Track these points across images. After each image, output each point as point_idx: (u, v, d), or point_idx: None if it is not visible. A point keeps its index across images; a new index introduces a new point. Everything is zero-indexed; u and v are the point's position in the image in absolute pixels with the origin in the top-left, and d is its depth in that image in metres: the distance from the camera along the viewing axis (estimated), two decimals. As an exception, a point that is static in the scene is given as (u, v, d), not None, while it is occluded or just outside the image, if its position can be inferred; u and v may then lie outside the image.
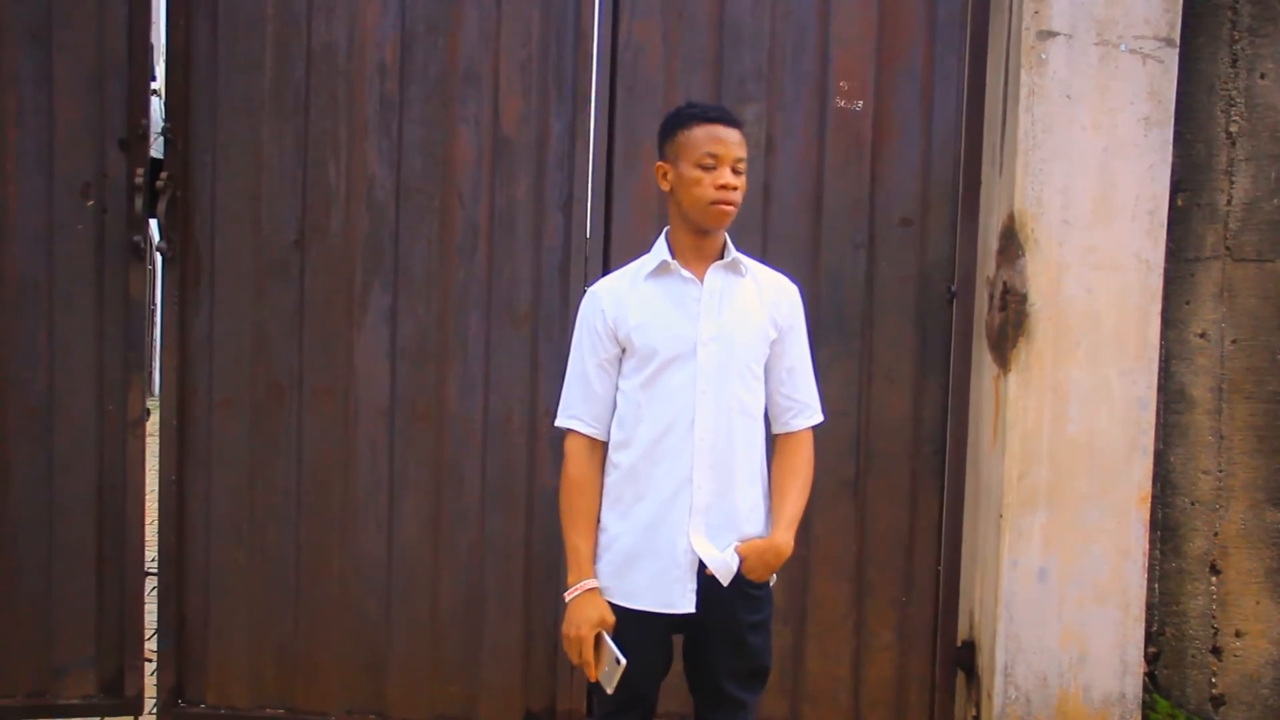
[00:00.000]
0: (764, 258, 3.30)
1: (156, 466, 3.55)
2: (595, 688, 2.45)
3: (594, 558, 2.43)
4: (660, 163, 2.45)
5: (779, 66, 3.57)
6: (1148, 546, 3.46)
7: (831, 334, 3.54)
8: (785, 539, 2.42)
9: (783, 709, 3.62)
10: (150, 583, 3.64)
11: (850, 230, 3.51)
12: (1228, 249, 3.56)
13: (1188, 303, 3.58)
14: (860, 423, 3.58)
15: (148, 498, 3.54)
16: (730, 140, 2.36)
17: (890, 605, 3.64)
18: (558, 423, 2.49)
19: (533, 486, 3.59)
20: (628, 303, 2.43)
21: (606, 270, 3.55)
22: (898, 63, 3.57)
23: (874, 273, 3.58)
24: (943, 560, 3.63)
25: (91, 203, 3.44)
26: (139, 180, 3.39)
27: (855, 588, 3.61)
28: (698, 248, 2.44)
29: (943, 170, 3.58)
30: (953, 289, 3.57)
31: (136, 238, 3.43)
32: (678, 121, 2.41)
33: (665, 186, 2.45)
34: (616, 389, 2.46)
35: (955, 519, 3.62)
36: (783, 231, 3.56)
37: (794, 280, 2.56)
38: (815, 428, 2.54)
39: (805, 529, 3.35)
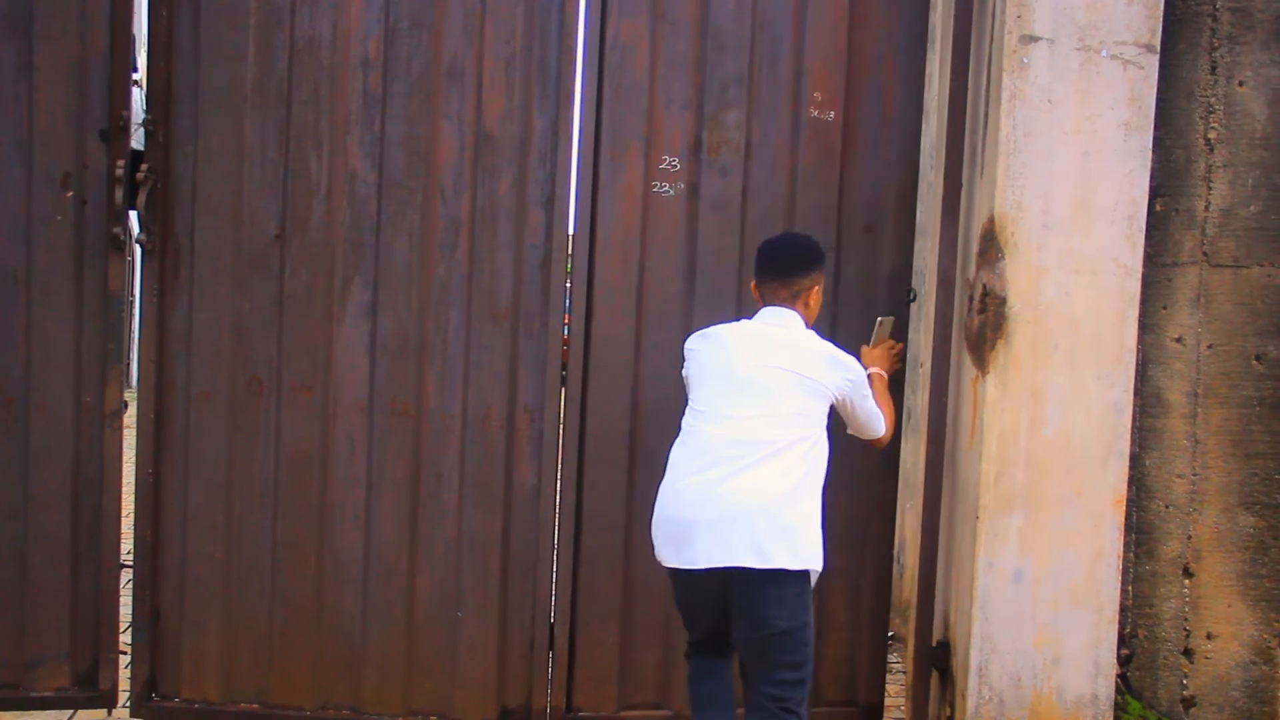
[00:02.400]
0: (741, 259, 3.54)
1: (134, 459, 3.53)
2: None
3: None
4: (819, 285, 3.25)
5: (758, 73, 3.63)
6: (1122, 549, 3.48)
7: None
8: None
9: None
10: (126, 576, 3.63)
11: (820, 235, 3.49)
12: (1205, 255, 3.58)
13: (1165, 308, 3.60)
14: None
15: (124, 490, 3.53)
16: None
17: (847, 590, 3.76)
18: None
19: (511, 483, 3.59)
20: None
21: (591, 269, 3.56)
22: (865, 77, 3.68)
23: (840, 276, 3.68)
24: (919, 561, 3.65)
25: (71, 194, 3.42)
26: (119, 172, 3.37)
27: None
28: None
29: (903, 181, 3.74)
30: (911, 293, 3.74)
31: (116, 229, 3.41)
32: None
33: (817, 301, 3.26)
34: None
35: (932, 520, 3.63)
36: (761, 234, 3.56)
37: None
38: None
39: None
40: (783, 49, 3.63)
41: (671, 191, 3.62)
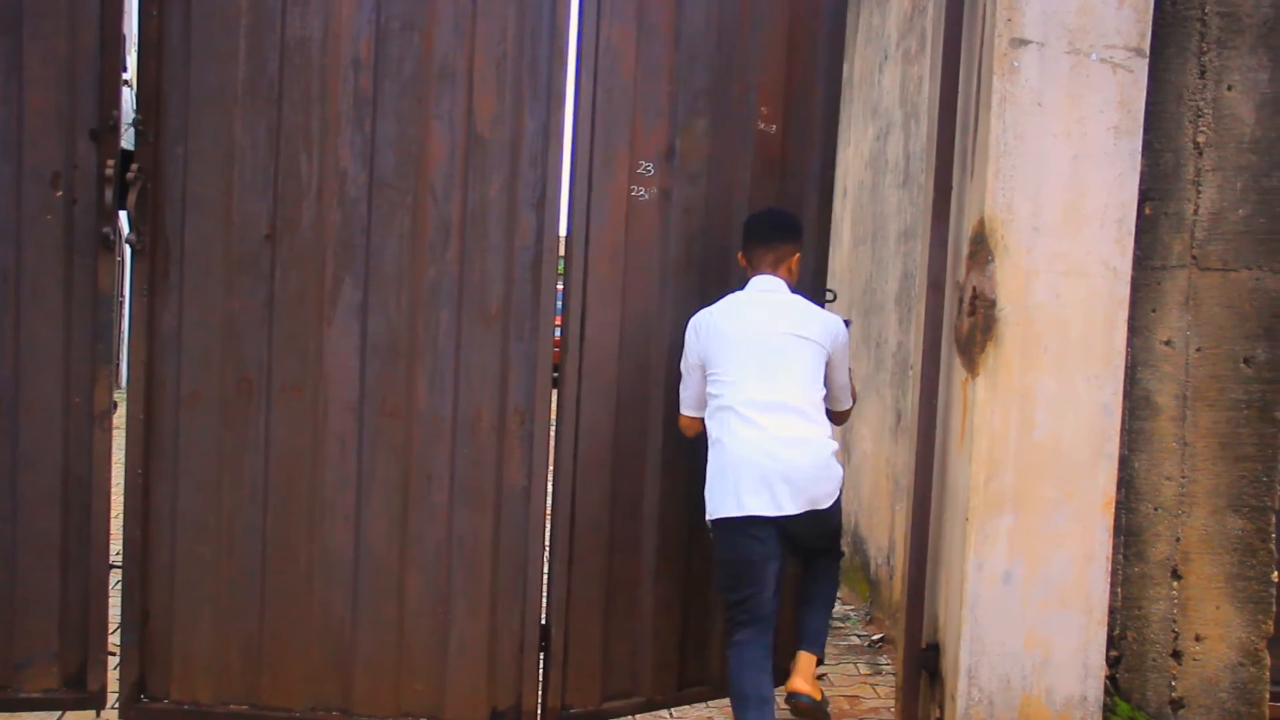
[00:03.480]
0: (704, 264, 3.82)
1: (123, 460, 3.52)
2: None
3: None
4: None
5: (720, 85, 3.78)
6: (1111, 551, 3.50)
7: None
8: None
9: None
10: (115, 576, 3.62)
11: None
12: (1194, 258, 3.60)
13: (1154, 310, 3.62)
14: None
15: (114, 491, 3.52)
16: None
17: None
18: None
19: (501, 484, 3.59)
20: None
21: (586, 271, 3.61)
22: (797, 95, 3.94)
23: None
24: (909, 562, 3.66)
25: (61, 193, 3.41)
26: (109, 171, 3.36)
27: None
28: None
29: (822, 193, 4.07)
30: (830, 294, 4.10)
31: (106, 229, 3.40)
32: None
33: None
34: None
35: (921, 521, 3.65)
36: (722, 239, 3.84)
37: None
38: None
39: None
40: (737, 62, 3.79)
41: (647, 196, 3.66)
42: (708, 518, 3.57)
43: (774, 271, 3.68)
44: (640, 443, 3.75)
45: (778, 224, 3.73)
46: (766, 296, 3.63)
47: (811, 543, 3.71)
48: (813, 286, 3.99)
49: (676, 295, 3.76)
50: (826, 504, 3.53)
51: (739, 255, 3.77)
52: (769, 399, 3.49)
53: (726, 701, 3.80)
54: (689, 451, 3.74)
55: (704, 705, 4.14)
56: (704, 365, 3.60)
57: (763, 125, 3.85)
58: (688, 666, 3.92)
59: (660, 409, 3.77)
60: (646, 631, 3.81)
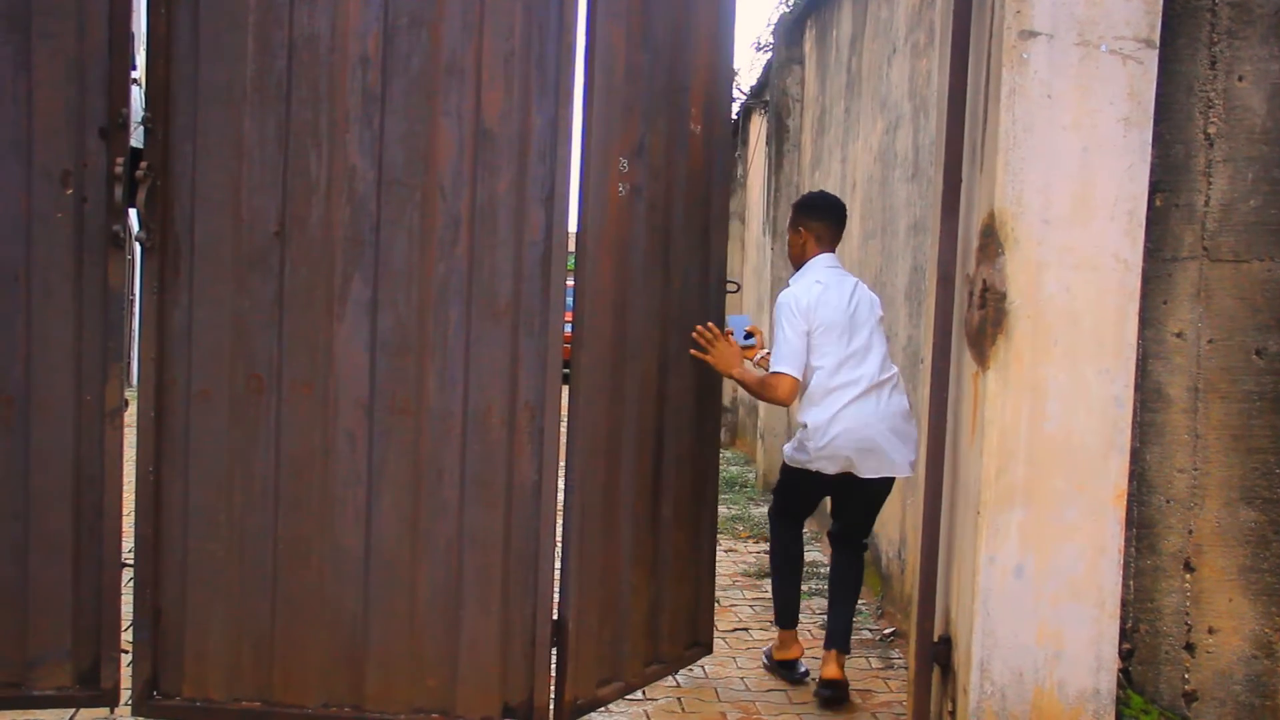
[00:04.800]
0: (664, 258, 4.00)
1: (134, 457, 3.53)
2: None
3: None
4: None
5: (672, 85, 3.95)
6: (1123, 544, 3.49)
7: (684, 327, 4.12)
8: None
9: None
10: (127, 574, 3.63)
11: (693, 237, 4.13)
12: (1205, 249, 3.58)
13: (1165, 302, 3.60)
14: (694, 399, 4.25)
15: (125, 488, 3.53)
16: None
17: (695, 544, 4.26)
18: None
19: (512, 480, 3.59)
20: None
21: (594, 266, 3.61)
22: (710, 96, 4.15)
23: (700, 272, 4.22)
24: (921, 556, 3.65)
25: (71, 191, 3.42)
26: (119, 169, 3.37)
27: (688, 531, 4.22)
28: None
29: (725, 191, 4.42)
30: (733, 284, 4.50)
31: (116, 227, 3.41)
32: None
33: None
34: None
35: (933, 515, 3.64)
36: (672, 233, 4.03)
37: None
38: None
39: (668, 485, 4.09)
40: (679, 64, 3.96)
41: (624, 191, 3.72)
42: (792, 465, 4.46)
43: (832, 250, 4.47)
44: (617, 436, 3.83)
45: (840, 207, 4.60)
46: (844, 277, 4.41)
47: (855, 513, 4.50)
48: (720, 277, 4.32)
49: (648, 288, 3.88)
50: (902, 472, 4.32)
51: (796, 232, 4.49)
52: (862, 375, 4.24)
53: (713, 684, 4.51)
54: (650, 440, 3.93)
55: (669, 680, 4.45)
56: (809, 336, 4.23)
57: (693, 126, 4.06)
58: (647, 647, 4.08)
59: (633, 403, 3.86)
60: (626, 617, 3.92)
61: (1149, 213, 3.48)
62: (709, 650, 4.46)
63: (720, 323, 4.23)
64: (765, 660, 4.73)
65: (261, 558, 3.56)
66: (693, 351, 4.11)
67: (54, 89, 3.40)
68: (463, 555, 3.60)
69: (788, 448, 4.55)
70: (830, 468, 4.31)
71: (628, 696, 4.11)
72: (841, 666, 4.31)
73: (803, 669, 4.58)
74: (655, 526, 4.02)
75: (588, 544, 3.72)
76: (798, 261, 4.53)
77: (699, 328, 4.11)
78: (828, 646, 4.34)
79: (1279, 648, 3.60)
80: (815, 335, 4.25)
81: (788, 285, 4.49)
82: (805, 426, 4.30)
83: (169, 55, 3.47)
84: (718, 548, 4.58)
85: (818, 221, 4.48)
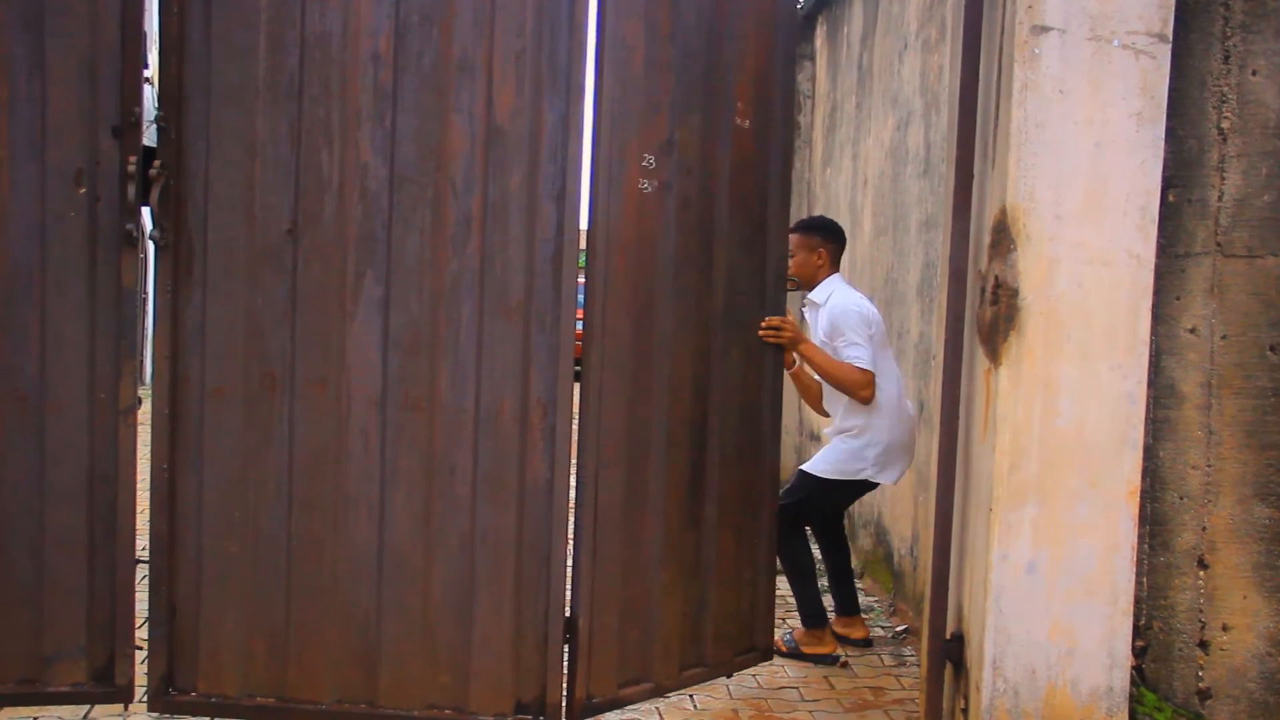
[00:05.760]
0: (696, 258, 3.88)
1: (148, 455, 3.54)
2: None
3: None
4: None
5: (710, 79, 3.86)
6: (1136, 541, 3.48)
7: (730, 323, 4.02)
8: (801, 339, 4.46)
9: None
10: (141, 571, 3.65)
11: (744, 232, 4.02)
12: (1218, 245, 3.57)
13: (1178, 298, 3.59)
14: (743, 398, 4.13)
15: (139, 486, 3.54)
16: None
17: (751, 547, 4.16)
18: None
19: (524, 477, 3.60)
20: None
21: (607, 263, 3.61)
22: (764, 89, 4.02)
23: (751, 268, 4.10)
24: (933, 553, 3.65)
25: (84, 190, 3.43)
26: (132, 168, 3.38)
27: (737, 533, 4.12)
28: None
29: (783, 182, 4.17)
30: (792, 281, 4.48)
31: (129, 225, 3.42)
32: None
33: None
34: None
35: (945, 512, 3.63)
36: (711, 230, 3.91)
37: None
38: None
39: (712, 486, 3.99)
40: (720, 59, 3.87)
41: (650, 188, 3.69)
42: (838, 477, 4.76)
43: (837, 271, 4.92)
44: (643, 434, 3.80)
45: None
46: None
47: (846, 507, 5.21)
48: (777, 274, 4.18)
49: (676, 289, 3.81)
50: None
51: (817, 253, 4.83)
52: (902, 387, 4.84)
53: (724, 681, 4.33)
54: (685, 439, 3.87)
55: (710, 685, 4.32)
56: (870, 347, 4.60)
57: (739, 120, 3.94)
58: (686, 649, 3.99)
59: (662, 402, 3.81)
60: (655, 618, 3.86)
61: (1162, 208, 3.47)
62: (767, 657, 4.32)
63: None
64: (788, 645, 4.80)
65: (275, 554, 3.58)
66: (765, 335, 4.11)
67: (67, 88, 3.41)
68: (475, 552, 3.61)
69: (826, 462, 4.81)
70: (891, 476, 4.79)
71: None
72: (862, 623, 5.05)
73: (840, 657, 4.79)
74: (697, 527, 3.94)
75: (603, 542, 3.70)
76: (810, 280, 4.88)
77: (764, 323, 4.10)
78: (849, 613, 5.02)
79: (1293, 644, 3.59)
80: (874, 344, 4.62)
81: (812, 299, 4.86)
82: (868, 436, 4.72)
83: (181, 54, 3.48)
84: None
85: (834, 244, 4.90)
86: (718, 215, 3.92)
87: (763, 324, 4.09)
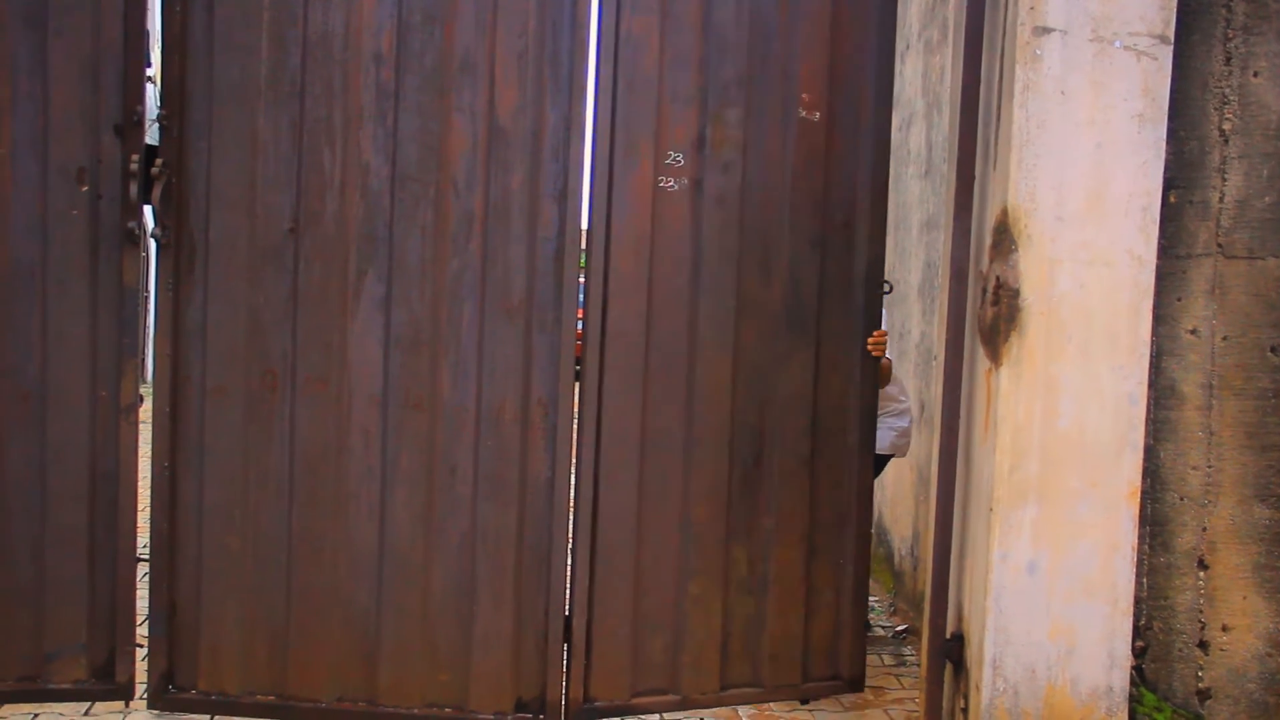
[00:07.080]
0: (740, 253, 3.73)
1: (149, 453, 3.55)
2: None
3: None
4: None
5: (755, 73, 3.72)
6: (1136, 541, 3.48)
7: (794, 326, 3.83)
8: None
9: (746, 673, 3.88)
10: (142, 569, 3.65)
11: (810, 231, 3.81)
12: (1220, 246, 3.57)
13: (1179, 299, 3.59)
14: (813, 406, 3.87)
15: (140, 484, 3.55)
16: None
17: (830, 566, 3.92)
18: None
19: (525, 476, 3.60)
20: None
21: (606, 263, 3.60)
22: (843, 82, 3.82)
23: (824, 271, 3.86)
24: (933, 553, 3.65)
25: (86, 188, 3.44)
26: (134, 166, 3.39)
27: (806, 549, 3.89)
28: None
29: (876, 180, 3.89)
30: (887, 285, 3.97)
31: (131, 224, 3.43)
32: None
33: None
34: None
35: (946, 512, 3.63)
36: (758, 229, 3.77)
37: None
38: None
39: (770, 497, 3.84)
40: (773, 51, 3.73)
41: (676, 186, 3.65)
42: (886, 453, 4.90)
43: None
44: (663, 443, 3.73)
45: None
46: None
47: None
48: (867, 278, 3.91)
49: (709, 285, 3.71)
50: None
51: None
52: None
53: (772, 706, 4.10)
54: (725, 446, 3.77)
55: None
56: None
57: (804, 114, 3.76)
58: (730, 666, 3.85)
59: (689, 407, 3.74)
60: (684, 629, 3.77)
61: (1163, 209, 3.47)
62: (855, 688, 4.02)
63: (872, 323, 3.95)
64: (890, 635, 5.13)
65: (276, 552, 3.58)
66: (874, 350, 3.91)
67: (69, 86, 3.42)
68: (475, 551, 3.61)
69: (885, 436, 4.87)
70: (906, 450, 5.11)
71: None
72: None
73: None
74: (748, 539, 3.81)
75: (607, 544, 3.69)
76: None
77: (873, 337, 3.91)
78: None
79: (1293, 645, 3.59)
80: None
81: None
82: (907, 410, 5.02)
83: (184, 53, 3.48)
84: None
85: None
86: (773, 214, 3.77)
87: (871, 338, 3.89)
